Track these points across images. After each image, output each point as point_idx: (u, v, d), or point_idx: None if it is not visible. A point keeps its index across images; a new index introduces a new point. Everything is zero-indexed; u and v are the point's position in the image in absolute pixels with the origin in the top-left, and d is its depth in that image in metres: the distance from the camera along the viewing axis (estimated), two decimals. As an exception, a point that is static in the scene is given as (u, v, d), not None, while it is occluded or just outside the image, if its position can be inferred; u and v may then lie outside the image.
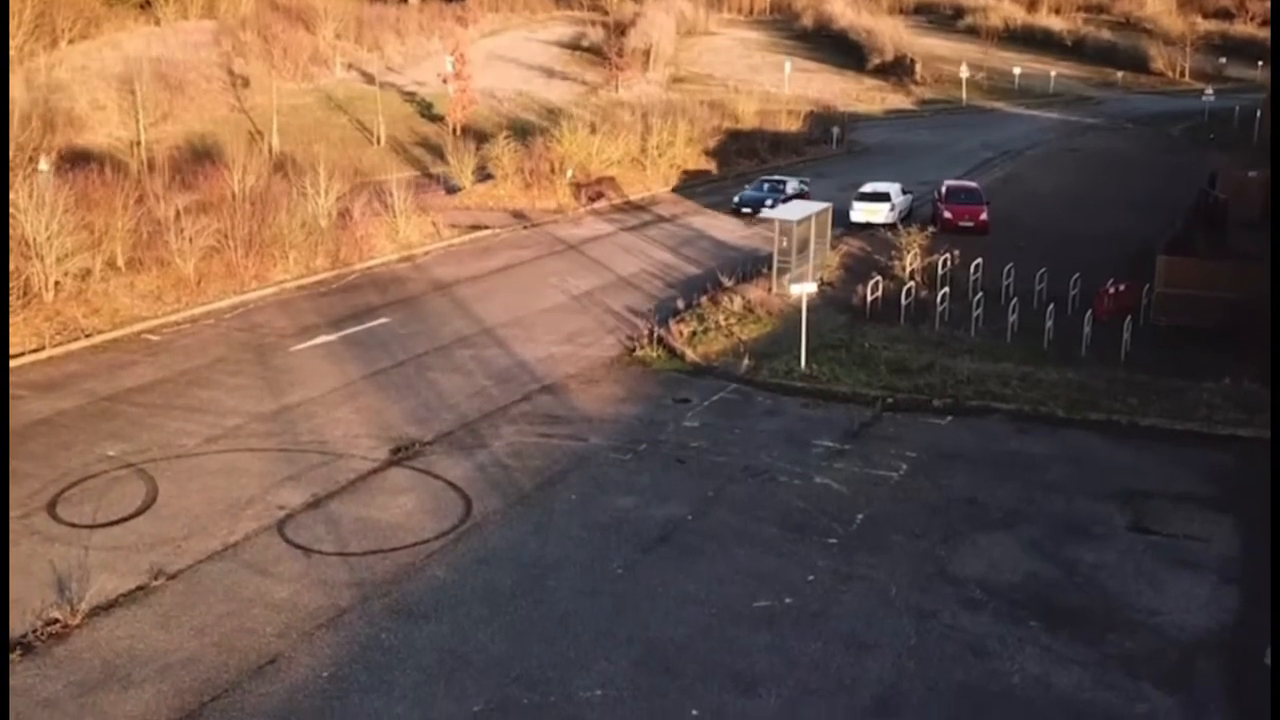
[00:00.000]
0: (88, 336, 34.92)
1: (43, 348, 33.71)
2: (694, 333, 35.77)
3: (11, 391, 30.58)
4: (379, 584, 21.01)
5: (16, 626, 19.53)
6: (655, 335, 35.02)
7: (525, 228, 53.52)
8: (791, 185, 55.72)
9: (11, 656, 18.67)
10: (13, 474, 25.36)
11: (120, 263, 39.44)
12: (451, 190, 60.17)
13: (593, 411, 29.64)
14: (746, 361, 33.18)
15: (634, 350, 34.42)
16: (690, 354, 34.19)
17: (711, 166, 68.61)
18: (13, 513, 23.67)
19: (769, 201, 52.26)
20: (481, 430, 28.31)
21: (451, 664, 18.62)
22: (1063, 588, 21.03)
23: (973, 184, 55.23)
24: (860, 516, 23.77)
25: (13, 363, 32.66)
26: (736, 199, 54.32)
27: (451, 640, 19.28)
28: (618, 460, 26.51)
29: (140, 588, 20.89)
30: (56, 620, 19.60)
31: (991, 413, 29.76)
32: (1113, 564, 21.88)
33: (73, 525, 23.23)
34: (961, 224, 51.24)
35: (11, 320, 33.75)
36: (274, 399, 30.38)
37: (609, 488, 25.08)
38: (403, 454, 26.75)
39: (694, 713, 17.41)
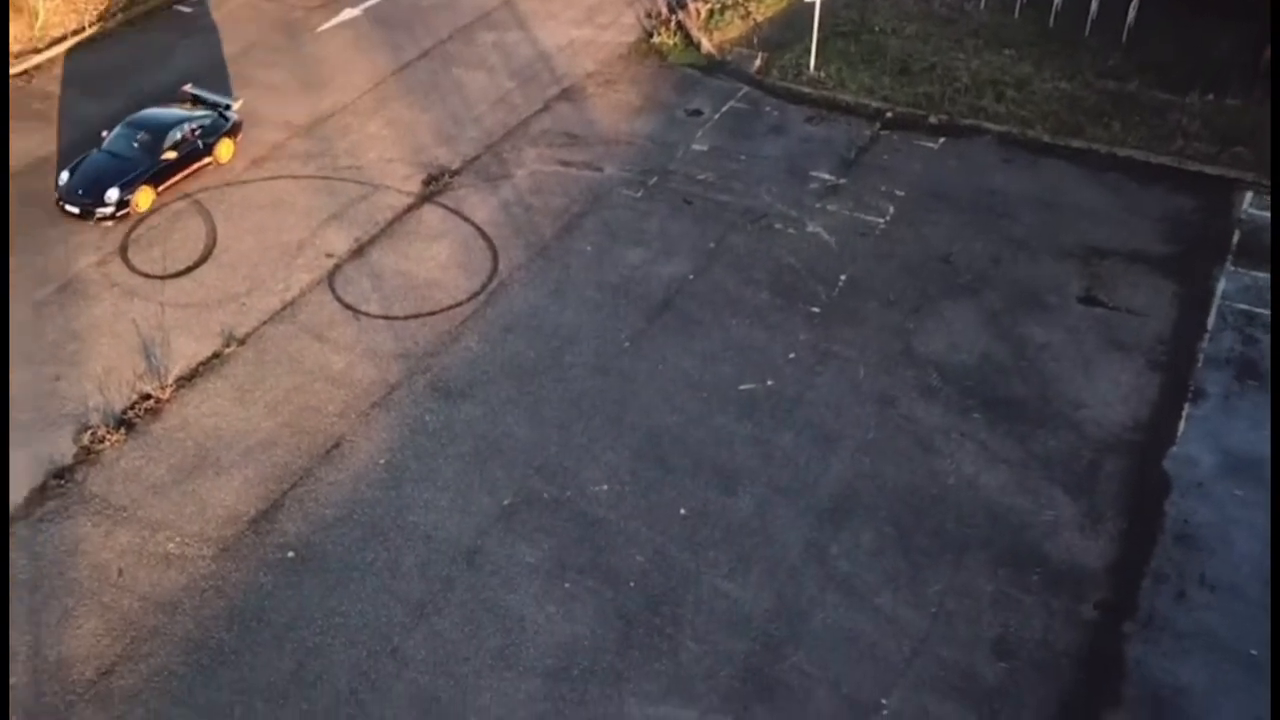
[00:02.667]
0: (123, 10, 35.33)
1: (83, 28, 34.34)
2: (711, 13, 35.88)
3: (61, 90, 31.89)
4: (421, 356, 23.84)
5: (115, 401, 22.66)
6: (674, 21, 35.20)
7: None
8: (179, 132, 27.79)
9: (116, 436, 21.89)
10: (83, 207, 27.45)
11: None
12: None
13: (608, 129, 30.95)
14: (758, 60, 33.81)
15: (651, 36, 34.85)
16: (706, 43, 34.68)
17: None
18: (89, 258, 26.13)
19: (115, 194, 26.49)
20: (505, 154, 29.89)
21: (485, 451, 21.85)
22: (1009, 374, 23.71)
23: None
24: (843, 278, 26.03)
25: (58, 48, 33.56)
26: (64, 177, 27.03)
27: (484, 424, 22.40)
28: (629, 199, 28.36)
29: (215, 355, 23.76)
30: (149, 396, 22.66)
31: (981, 134, 30.99)
32: (1057, 344, 24.41)
33: (146, 275, 25.70)
34: None
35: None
36: (309, 103, 31.64)
37: (620, 236, 27.17)
38: (434, 186, 28.58)
39: (682, 511, 20.81)
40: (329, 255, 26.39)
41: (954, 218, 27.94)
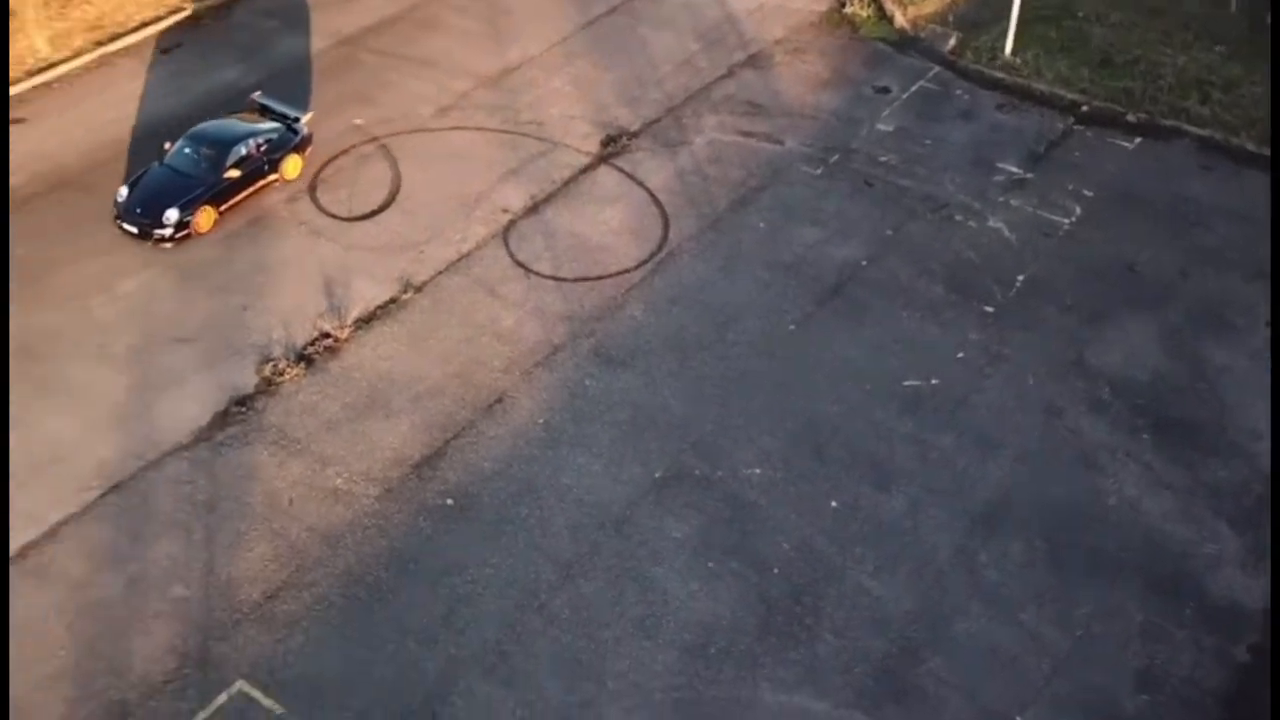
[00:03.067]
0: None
1: (286, -39, 35.93)
2: (910, -15, 35.82)
3: (259, 22, 33.60)
4: (586, 320, 24.80)
5: (297, 336, 24.20)
6: (869, -10, 35.33)
7: None
8: (243, 148, 26.76)
9: (296, 370, 23.43)
10: (276, 141, 29.06)
11: None
12: None
13: (793, 100, 31.34)
14: (953, 39, 33.70)
15: (844, 5, 34.98)
16: (900, 17, 34.65)
17: None
18: (279, 195, 27.72)
19: (175, 214, 25.64)
20: (685, 120, 30.56)
21: (641, 422, 22.76)
22: (1184, 395, 23.57)
23: None
24: (1021, 278, 26.09)
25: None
26: (123, 192, 26.25)
27: (643, 394, 23.29)
28: (808, 176, 28.79)
29: (393, 300, 25.12)
30: (329, 335, 24.13)
31: (1181, 136, 30.43)
32: (1239, 370, 24.13)
33: (332, 216, 27.19)
34: None
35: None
36: (498, 54, 32.73)
37: (796, 213, 27.65)
38: (611, 147, 29.44)
39: (833, 504, 21.43)
40: (505, 210, 27.51)
41: (1144, 224, 27.67)
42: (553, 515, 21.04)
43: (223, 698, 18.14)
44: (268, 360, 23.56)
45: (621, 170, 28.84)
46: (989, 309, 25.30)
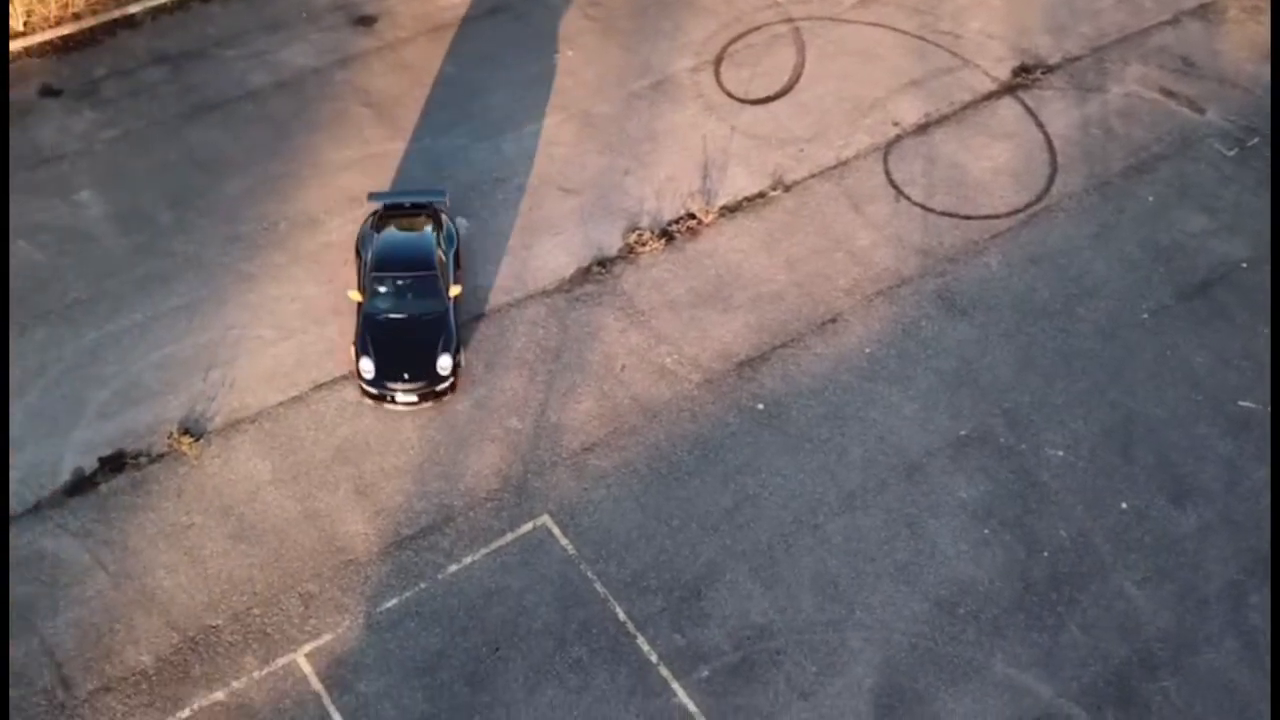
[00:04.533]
0: None
1: None
2: None
3: None
4: (940, 259, 27.71)
5: (665, 210, 28.36)
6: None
7: None
8: (434, 260, 25.09)
9: (656, 244, 27.67)
10: (695, 7, 32.91)
11: None
12: None
13: (1230, 66, 32.18)
14: None
15: (1331, -39, 34.84)
16: (1390, -13, 34.20)
17: None
18: (686, 62, 31.66)
19: (448, 361, 24.26)
20: (1108, 63, 32.10)
21: (963, 376, 25.76)
22: None
23: None
24: None
25: None
26: (368, 366, 23.99)
27: (973, 349, 26.21)
28: (1218, 155, 30.03)
29: (760, 194, 28.81)
30: (694, 216, 28.18)
31: None
32: None
33: (728, 95, 30.91)
34: None
35: None
36: (939, -51, 34.98)
37: (1191, 194, 29.16)
38: (1021, 78, 31.54)
39: (1123, 505, 23.98)
40: (895, 123, 30.40)
41: None
42: (852, 445, 24.64)
43: (528, 526, 23.11)
44: (634, 228, 27.87)
45: (1025, 105, 30.98)
46: (1363, 347, 26.39)
